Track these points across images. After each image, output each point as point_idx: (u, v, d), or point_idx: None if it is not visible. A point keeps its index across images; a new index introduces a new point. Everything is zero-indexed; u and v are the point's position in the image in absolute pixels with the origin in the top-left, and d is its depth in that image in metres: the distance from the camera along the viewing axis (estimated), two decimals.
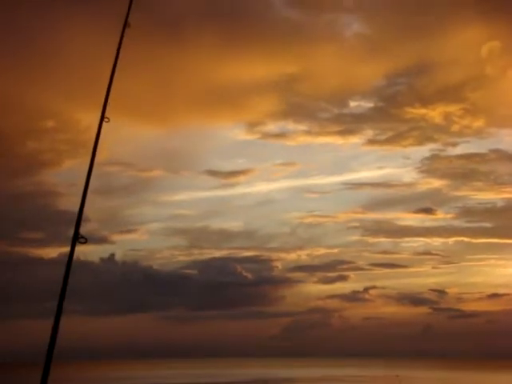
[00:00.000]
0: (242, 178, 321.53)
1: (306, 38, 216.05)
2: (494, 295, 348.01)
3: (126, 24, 5.30)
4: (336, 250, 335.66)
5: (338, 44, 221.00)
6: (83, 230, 5.03)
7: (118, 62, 5.16)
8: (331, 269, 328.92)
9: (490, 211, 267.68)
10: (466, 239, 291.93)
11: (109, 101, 5.11)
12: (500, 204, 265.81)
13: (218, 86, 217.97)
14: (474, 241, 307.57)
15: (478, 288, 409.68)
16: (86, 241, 5.02)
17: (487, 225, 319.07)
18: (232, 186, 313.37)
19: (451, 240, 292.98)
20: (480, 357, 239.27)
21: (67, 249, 5.04)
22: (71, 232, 4.99)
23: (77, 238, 4.91)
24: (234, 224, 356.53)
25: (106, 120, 5.06)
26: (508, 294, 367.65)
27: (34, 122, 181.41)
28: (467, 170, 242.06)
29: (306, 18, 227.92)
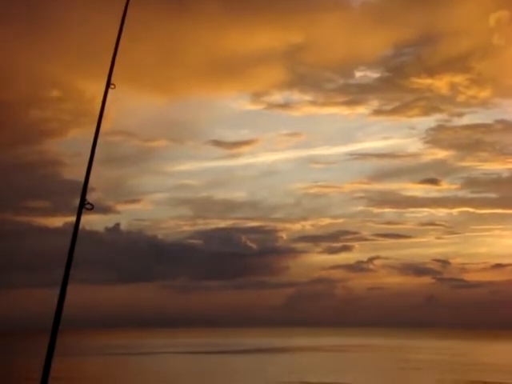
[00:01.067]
0: (246, 149, 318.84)
1: (312, 7, 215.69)
2: (498, 266, 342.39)
3: None
4: (341, 221, 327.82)
5: (345, 13, 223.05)
6: (89, 199, 5.06)
7: (123, 32, 5.14)
8: (336, 239, 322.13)
9: (495, 182, 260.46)
10: (470, 210, 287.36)
11: (114, 70, 5.11)
12: (505, 175, 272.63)
13: (222, 56, 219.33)
14: (478, 211, 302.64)
15: (482, 258, 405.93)
16: (92, 207, 5.02)
17: (492, 195, 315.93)
18: (236, 156, 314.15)
19: (455, 211, 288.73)
20: (483, 327, 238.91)
21: (72, 218, 5.03)
22: (76, 201, 4.99)
23: (83, 205, 4.91)
24: (238, 194, 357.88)
25: (111, 86, 5.05)
26: (510, 266, 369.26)
27: (39, 91, 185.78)
28: (473, 141, 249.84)
29: None
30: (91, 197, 4.98)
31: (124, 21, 5.28)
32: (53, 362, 4.51)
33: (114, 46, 5.23)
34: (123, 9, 5.30)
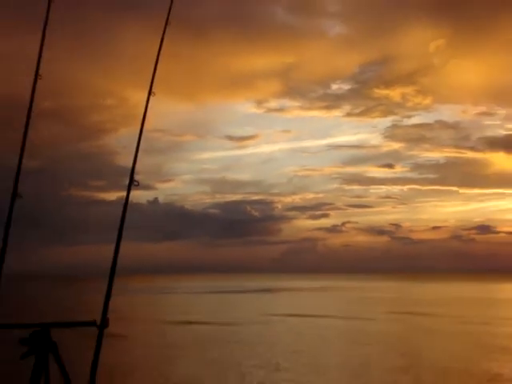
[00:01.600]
0: (250, 142, 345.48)
1: (300, 37, 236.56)
2: (435, 227, 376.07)
3: (167, 22, 5.66)
4: (321, 195, 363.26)
5: (324, 41, 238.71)
6: (135, 179, 5.48)
7: (161, 53, 5.54)
8: (317, 209, 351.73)
9: (434, 166, 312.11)
10: (416, 187, 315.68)
11: (154, 82, 5.52)
12: (442, 161, 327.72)
13: (234, 73, 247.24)
14: (422, 188, 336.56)
15: (424, 222, 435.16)
16: (138, 184, 5.37)
17: (431, 176, 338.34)
18: (243, 147, 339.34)
19: (405, 187, 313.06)
20: (424, 271, 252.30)
21: (123, 193, 5.32)
22: (126, 180, 5.32)
23: (132, 183, 5.34)
24: (244, 176, 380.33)
25: (152, 94, 5.42)
26: (446, 227, 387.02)
27: (98, 99, 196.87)
28: (418, 136, 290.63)
29: (300, 21, 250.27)
30: (136, 177, 5.40)
31: (162, 44, 5.64)
32: (111, 298, 4.98)
33: (154, 63, 5.62)
34: (161, 35, 5.69)
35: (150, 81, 5.41)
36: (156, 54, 5.51)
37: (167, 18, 5.51)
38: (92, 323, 4.84)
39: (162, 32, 5.51)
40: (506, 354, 26.03)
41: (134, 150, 5.30)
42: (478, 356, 25.31)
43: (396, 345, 29.53)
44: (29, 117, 4.81)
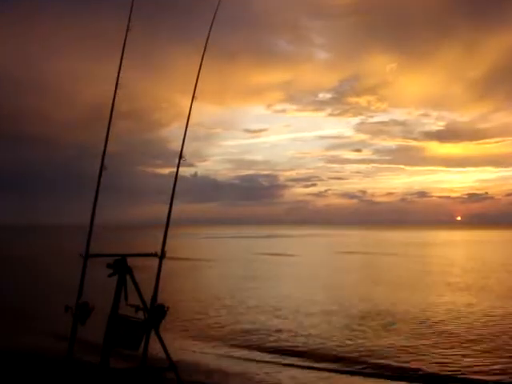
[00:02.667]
0: (262, 133, 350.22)
1: (296, 61, 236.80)
2: (389, 193, 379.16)
3: (205, 49, 5.66)
4: (311, 171, 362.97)
5: (313, 64, 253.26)
6: (184, 160, 5.54)
7: (200, 71, 5.55)
8: (308, 180, 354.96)
9: (388, 151, 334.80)
10: (376, 165, 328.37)
11: (196, 91, 5.54)
12: (394, 147, 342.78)
13: (250, 85, 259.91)
14: (380, 166, 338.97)
15: (382, 190, 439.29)
16: (185, 160, 5.51)
17: (387, 158, 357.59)
18: (257, 137, 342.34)
19: (369, 166, 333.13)
20: (381, 223, 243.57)
21: (174, 169, 5.47)
22: (177, 159, 5.46)
23: (181, 158, 5.40)
24: (257, 157, 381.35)
25: (195, 99, 5.46)
26: (396, 193, 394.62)
27: (157, 103, 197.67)
28: (378, 130, 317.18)
29: (296, 50, 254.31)
30: (184, 159, 5.49)
31: (201, 64, 5.67)
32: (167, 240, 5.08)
33: (196, 77, 5.68)
34: (201, 57, 5.72)
35: (193, 89, 5.45)
36: (197, 70, 5.56)
37: (205, 46, 5.55)
38: (155, 255, 4.95)
39: (201, 55, 5.55)
40: (437, 275, 25.64)
41: (182, 138, 5.42)
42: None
43: (346, 275, 28.83)
44: (111, 115, 4.88)
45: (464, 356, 10.38)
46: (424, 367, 9.55)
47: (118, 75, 4.87)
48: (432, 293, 20.41)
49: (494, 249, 55.60)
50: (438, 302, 17.75)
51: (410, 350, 10.82)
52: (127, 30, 4.89)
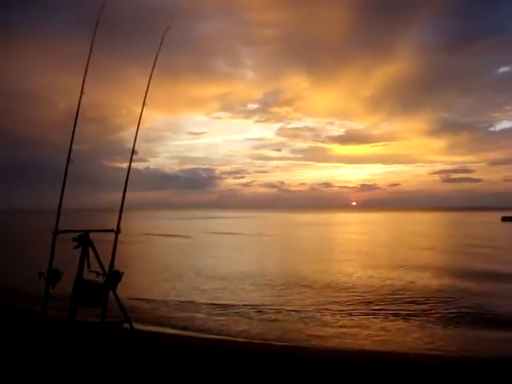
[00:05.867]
0: (202, 135, 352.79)
1: (231, 78, 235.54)
2: (302, 184, 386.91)
3: (153, 67, 5.65)
4: (241, 165, 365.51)
5: (244, 80, 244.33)
6: (134, 154, 5.51)
7: (151, 81, 5.54)
8: (238, 173, 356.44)
9: (302, 151, 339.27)
10: (292, 162, 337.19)
11: (146, 100, 5.52)
12: (306, 148, 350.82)
13: (193, 97, 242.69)
14: (295, 162, 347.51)
15: (296, 181, 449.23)
16: (137, 154, 5.47)
17: (301, 156, 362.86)
18: (198, 138, 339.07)
19: (287, 162, 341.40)
20: (295, 208, 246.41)
21: (128, 164, 5.52)
22: (132, 155, 5.45)
23: (133, 153, 5.37)
24: (198, 154, 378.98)
25: (146, 106, 5.45)
26: (307, 183, 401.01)
27: (117, 110, 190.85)
28: (294, 134, 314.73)
29: (230, 69, 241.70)
30: (136, 153, 5.46)
31: (150, 79, 5.64)
32: (122, 221, 5.10)
33: (145, 88, 5.66)
34: (151, 71, 5.70)
35: (145, 99, 5.44)
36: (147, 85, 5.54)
37: (153, 65, 5.53)
38: (111, 230, 4.95)
39: (151, 71, 5.53)
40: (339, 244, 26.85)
41: (132, 138, 5.41)
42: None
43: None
44: (76, 119, 4.83)
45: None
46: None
47: (82, 88, 4.83)
48: (328, 258, 21.49)
49: (380, 226, 58.18)
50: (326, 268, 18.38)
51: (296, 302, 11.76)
52: (90, 51, 4.85)
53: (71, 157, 4.73)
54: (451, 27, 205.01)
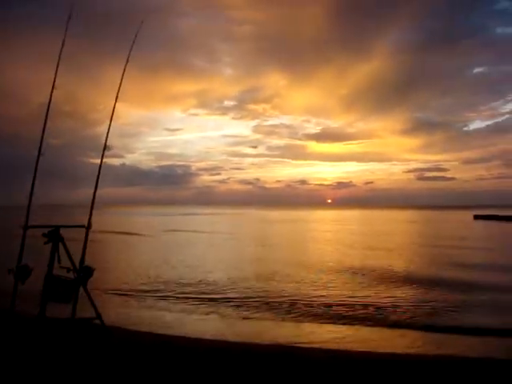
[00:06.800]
0: (179, 132, 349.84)
1: (208, 74, 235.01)
2: (278, 181, 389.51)
3: (127, 62, 5.63)
4: (216, 162, 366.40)
5: (221, 77, 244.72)
6: (109, 150, 5.49)
7: (130, 81, 5.53)
8: (214, 170, 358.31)
9: (278, 148, 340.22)
10: (269, 159, 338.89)
11: (119, 95, 5.50)
12: (282, 145, 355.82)
13: (171, 93, 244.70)
14: (271, 159, 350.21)
15: (272, 178, 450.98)
16: (110, 150, 5.40)
17: (277, 153, 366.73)
18: (174, 135, 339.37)
19: (263, 159, 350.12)
20: (271, 204, 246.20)
21: (106, 159, 5.44)
22: (107, 152, 5.43)
23: (105, 149, 5.35)
24: (175, 151, 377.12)
25: (118, 101, 5.41)
26: (283, 181, 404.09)
27: (94, 106, 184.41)
28: (270, 131, 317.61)
29: (208, 66, 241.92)
30: (112, 149, 5.43)
31: (123, 74, 5.62)
32: (94, 217, 5.04)
33: (122, 83, 5.63)
34: (124, 67, 5.66)
35: (121, 94, 5.44)
36: (126, 78, 5.52)
37: (127, 60, 5.51)
38: (82, 226, 4.94)
39: (124, 67, 5.51)
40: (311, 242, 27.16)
41: (113, 134, 5.41)
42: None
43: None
44: (47, 112, 4.80)
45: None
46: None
47: (54, 83, 4.81)
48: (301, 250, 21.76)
49: (354, 223, 58.91)
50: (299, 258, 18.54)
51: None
52: (62, 46, 4.82)
53: (42, 150, 4.70)
54: (428, 28, 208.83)
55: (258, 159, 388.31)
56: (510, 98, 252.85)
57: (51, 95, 4.84)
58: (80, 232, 4.99)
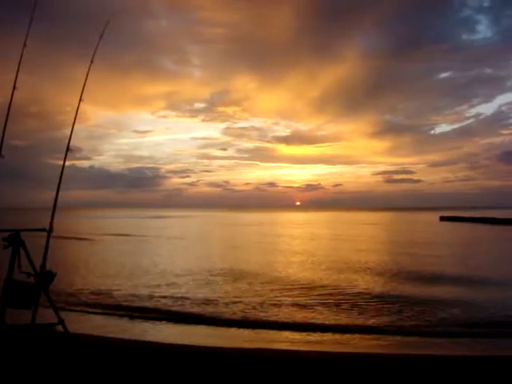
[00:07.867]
0: (148, 134, 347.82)
1: (178, 77, 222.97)
2: (247, 183, 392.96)
3: (91, 62, 5.54)
4: (186, 165, 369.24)
5: (191, 80, 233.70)
6: (76, 153, 5.41)
7: (97, 82, 5.46)
8: (183, 173, 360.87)
9: (248, 150, 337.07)
10: (238, 161, 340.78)
11: (83, 96, 5.42)
12: (252, 148, 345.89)
13: (140, 95, 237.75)
14: (241, 162, 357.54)
15: (241, 181, 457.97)
16: (72, 150, 5.37)
17: (246, 155, 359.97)
18: (144, 137, 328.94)
19: (233, 162, 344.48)
20: (239, 207, 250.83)
21: (72, 161, 5.30)
22: (74, 154, 5.34)
23: (67, 150, 5.26)
24: (144, 153, 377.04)
25: (83, 101, 5.37)
26: (252, 183, 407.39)
27: (61, 107, 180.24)
28: (240, 134, 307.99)
29: (179, 68, 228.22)
30: (81, 152, 5.34)
31: (87, 75, 5.54)
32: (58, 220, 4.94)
33: (89, 84, 5.52)
34: (88, 67, 5.58)
35: (88, 95, 5.36)
36: (91, 79, 5.43)
37: (91, 61, 5.40)
38: (43, 229, 4.85)
39: (88, 67, 5.41)
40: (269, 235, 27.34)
41: (76, 136, 5.30)
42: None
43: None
44: (8, 112, 4.70)
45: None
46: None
47: (15, 83, 4.72)
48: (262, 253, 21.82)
49: (322, 225, 59.65)
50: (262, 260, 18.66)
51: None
52: (24, 45, 4.73)
53: (2, 152, 4.57)
54: (396, 33, 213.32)
55: (228, 162, 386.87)
56: (474, 103, 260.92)
57: (12, 95, 4.73)
58: (42, 236, 4.87)
